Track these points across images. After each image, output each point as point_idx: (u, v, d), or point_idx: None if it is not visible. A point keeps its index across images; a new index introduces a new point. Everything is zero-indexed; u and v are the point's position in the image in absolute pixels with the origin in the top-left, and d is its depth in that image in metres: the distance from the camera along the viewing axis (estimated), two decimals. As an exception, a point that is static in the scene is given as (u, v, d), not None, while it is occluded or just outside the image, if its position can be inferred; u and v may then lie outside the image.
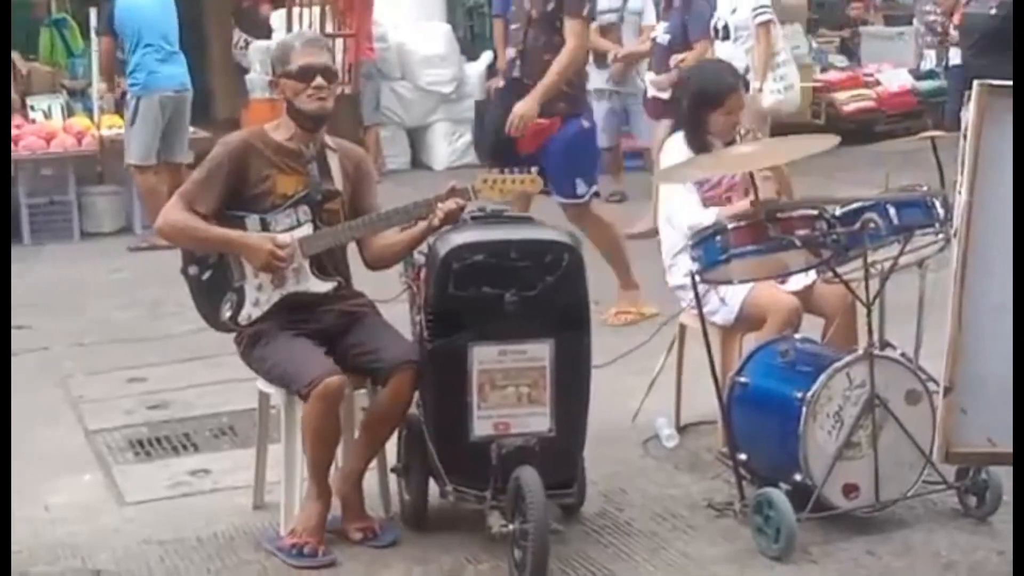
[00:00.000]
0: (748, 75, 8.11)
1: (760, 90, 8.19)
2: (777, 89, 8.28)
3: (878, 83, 12.56)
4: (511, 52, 6.29)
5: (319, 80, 4.18)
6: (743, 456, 4.30)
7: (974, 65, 6.97)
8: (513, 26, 6.12)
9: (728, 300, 4.74)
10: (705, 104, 4.89)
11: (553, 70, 5.99)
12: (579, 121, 6.00)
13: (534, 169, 4.32)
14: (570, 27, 5.94)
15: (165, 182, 8.65)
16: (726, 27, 8.29)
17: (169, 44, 8.89)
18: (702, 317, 4.40)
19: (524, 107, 6.00)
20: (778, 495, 4.05)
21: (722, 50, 8.23)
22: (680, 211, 4.85)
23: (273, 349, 4.15)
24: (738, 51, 8.22)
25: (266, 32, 11.88)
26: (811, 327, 4.80)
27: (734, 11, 8.29)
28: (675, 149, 4.95)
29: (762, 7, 8.26)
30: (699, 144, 4.88)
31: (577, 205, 6.32)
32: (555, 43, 5.94)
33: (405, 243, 4.25)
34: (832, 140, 4.51)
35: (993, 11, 6.43)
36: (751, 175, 4.42)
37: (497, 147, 6.13)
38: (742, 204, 4.63)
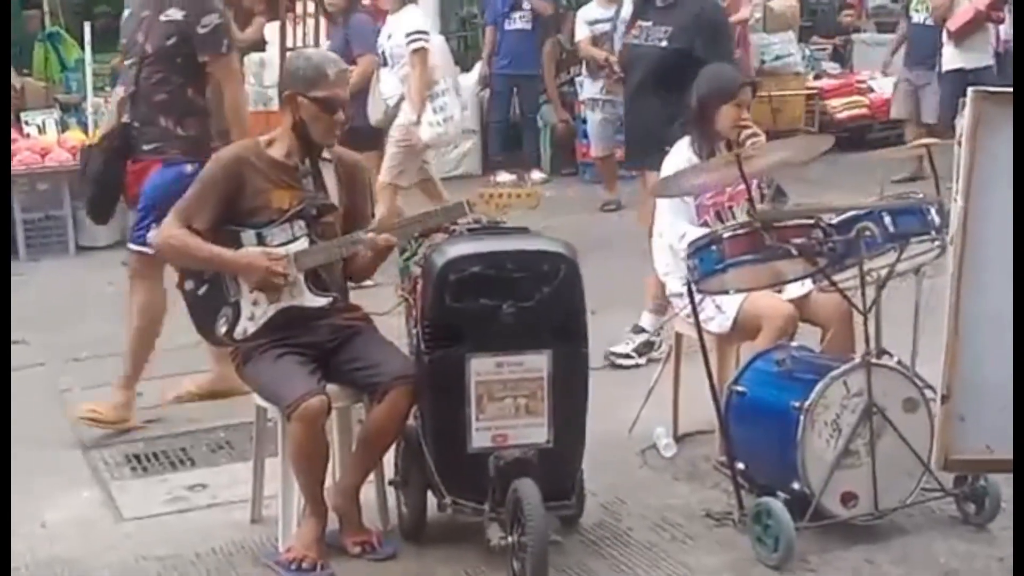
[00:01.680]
0: (403, 104, 7.77)
1: (417, 123, 7.74)
2: (436, 121, 7.81)
3: (871, 90, 12.55)
4: (120, 91, 5.56)
5: (340, 115, 4.18)
6: (741, 465, 4.30)
7: (637, 103, 6.24)
8: (127, 62, 5.43)
9: (724, 307, 4.74)
10: (716, 96, 4.90)
11: (229, 119, 5.38)
12: (180, 168, 5.24)
13: (535, 176, 4.27)
14: (219, 69, 5.36)
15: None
16: (383, 54, 7.93)
17: None
18: (699, 326, 4.40)
19: None
20: (777, 504, 4.05)
21: (383, 77, 7.91)
22: (668, 227, 4.86)
23: (261, 368, 4.14)
24: (393, 79, 7.86)
25: (260, 45, 11.85)
26: (810, 335, 4.79)
27: (389, 37, 7.92)
28: (678, 155, 4.95)
29: (417, 34, 7.76)
30: (705, 142, 4.89)
31: (143, 255, 5.42)
32: (172, 81, 5.31)
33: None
34: (827, 140, 4.64)
35: (664, 44, 5.97)
36: (748, 186, 4.42)
37: (99, 196, 5.64)
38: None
